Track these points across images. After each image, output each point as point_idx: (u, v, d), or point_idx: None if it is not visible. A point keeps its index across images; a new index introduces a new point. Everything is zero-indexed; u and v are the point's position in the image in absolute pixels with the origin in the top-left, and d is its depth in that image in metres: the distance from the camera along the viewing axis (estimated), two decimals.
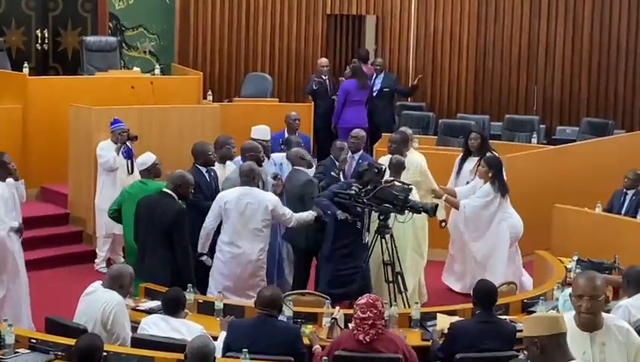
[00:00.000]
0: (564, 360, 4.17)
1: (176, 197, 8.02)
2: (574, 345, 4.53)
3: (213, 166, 9.09)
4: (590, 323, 4.64)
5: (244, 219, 8.27)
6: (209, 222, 8.35)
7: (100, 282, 6.69)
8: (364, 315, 6.04)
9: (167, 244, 7.84)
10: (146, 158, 8.96)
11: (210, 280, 8.32)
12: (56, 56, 14.39)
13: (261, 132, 9.83)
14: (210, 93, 13.21)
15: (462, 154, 10.24)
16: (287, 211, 8.42)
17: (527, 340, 4.25)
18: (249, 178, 8.37)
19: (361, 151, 10.10)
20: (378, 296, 6.36)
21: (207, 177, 8.95)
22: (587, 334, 4.64)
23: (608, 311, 6.31)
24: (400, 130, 10.23)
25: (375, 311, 6.04)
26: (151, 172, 8.87)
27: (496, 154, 9.86)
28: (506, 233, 9.48)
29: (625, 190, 10.30)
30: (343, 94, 12.94)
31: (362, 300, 6.15)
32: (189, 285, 7.53)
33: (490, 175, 9.44)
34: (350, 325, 6.63)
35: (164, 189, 8.09)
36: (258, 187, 8.52)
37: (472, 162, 9.99)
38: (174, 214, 7.86)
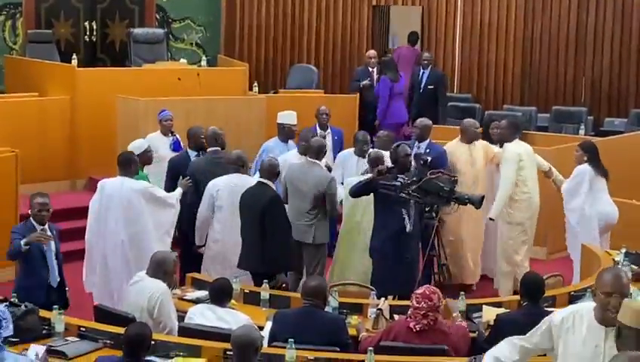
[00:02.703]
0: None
1: (271, 185, 8.13)
2: (589, 336, 4.59)
3: (205, 150, 9.13)
4: (609, 318, 4.59)
5: (233, 206, 8.32)
6: (202, 212, 8.45)
7: (145, 271, 6.76)
8: (418, 305, 6.11)
9: (261, 234, 7.94)
10: (137, 144, 8.87)
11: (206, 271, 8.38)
12: (104, 48, 14.53)
13: (287, 117, 9.88)
14: (255, 84, 13.25)
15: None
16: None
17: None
18: (237, 165, 8.46)
19: (428, 140, 9.72)
20: (436, 289, 6.32)
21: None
22: (603, 328, 4.61)
23: None
24: (509, 117, 10.05)
25: (430, 303, 6.07)
26: (141, 159, 8.66)
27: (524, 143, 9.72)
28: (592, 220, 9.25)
29: None
30: (386, 89, 12.75)
31: (420, 290, 6.21)
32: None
33: (585, 159, 9.29)
34: (396, 317, 6.67)
35: (260, 179, 8.16)
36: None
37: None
38: (266, 202, 7.96)
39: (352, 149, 9.79)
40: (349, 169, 9.53)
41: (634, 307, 4.31)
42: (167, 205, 8.30)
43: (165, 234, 8.27)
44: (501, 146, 9.58)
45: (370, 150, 9.34)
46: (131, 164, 8.26)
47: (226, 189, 8.42)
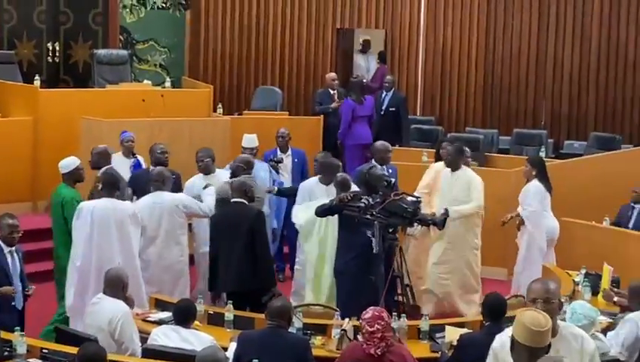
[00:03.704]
0: None
1: (247, 202, 8.22)
2: None
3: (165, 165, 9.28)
4: None
5: (155, 224, 8.40)
6: None
7: (101, 293, 6.76)
8: (372, 329, 5.97)
9: (250, 251, 8.03)
10: (69, 162, 8.81)
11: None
12: (67, 69, 14.49)
13: (248, 140, 9.92)
14: (220, 106, 13.25)
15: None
16: (200, 206, 8.65)
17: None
18: (159, 182, 8.54)
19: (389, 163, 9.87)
20: (382, 308, 6.34)
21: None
22: None
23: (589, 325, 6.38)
24: (457, 143, 10.21)
25: (383, 323, 6.01)
26: (73, 176, 8.68)
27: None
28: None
29: (633, 204, 10.35)
30: (349, 111, 12.81)
31: (368, 314, 6.07)
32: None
33: (533, 173, 9.49)
34: (359, 337, 6.67)
35: (235, 199, 8.23)
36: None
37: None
38: (253, 219, 8.09)
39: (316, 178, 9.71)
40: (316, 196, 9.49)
41: (524, 321, 4.32)
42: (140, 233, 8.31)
43: (138, 262, 8.21)
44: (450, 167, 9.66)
45: (338, 174, 9.37)
46: (117, 184, 8.25)
47: (147, 209, 8.44)
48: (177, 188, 9.12)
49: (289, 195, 9.72)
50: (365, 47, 14.81)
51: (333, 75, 13.72)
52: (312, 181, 9.39)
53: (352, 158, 12.25)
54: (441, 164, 9.70)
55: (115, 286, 6.74)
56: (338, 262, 8.41)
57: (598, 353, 4.82)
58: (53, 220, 8.68)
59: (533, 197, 9.44)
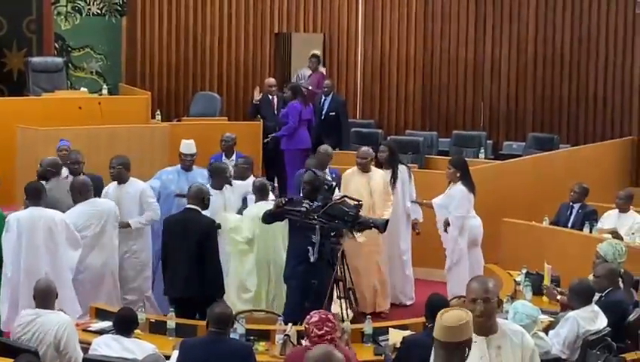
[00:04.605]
0: None
1: (201, 211, 8.18)
2: (473, 351, 4.56)
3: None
4: (484, 326, 4.68)
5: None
6: None
7: (31, 308, 6.66)
8: (320, 332, 5.89)
9: (198, 259, 8.00)
10: None
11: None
12: (2, 78, 14.25)
13: (186, 146, 9.88)
14: (158, 112, 13.17)
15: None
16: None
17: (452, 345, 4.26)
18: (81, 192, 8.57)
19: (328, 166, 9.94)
20: (327, 311, 6.32)
21: None
22: (483, 338, 4.68)
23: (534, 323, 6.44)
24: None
25: (330, 325, 5.99)
26: None
27: (408, 165, 10.22)
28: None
29: (571, 203, 10.45)
30: (297, 114, 12.58)
31: (314, 318, 5.99)
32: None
33: (458, 175, 9.54)
34: (303, 342, 6.63)
35: (189, 206, 8.22)
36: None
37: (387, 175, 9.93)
38: (205, 228, 8.09)
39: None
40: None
41: (440, 318, 4.28)
42: (77, 242, 8.18)
43: (69, 270, 8.10)
44: (392, 168, 9.82)
45: (255, 179, 9.40)
46: (41, 194, 8.12)
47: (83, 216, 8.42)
48: (97, 191, 9.06)
49: None
50: (314, 64, 14.37)
51: (272, 80, 13.61)
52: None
53: (292, 163, 12.22)
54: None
55: (48, 297, 6.65)
56: (286, 268, 8.44)
57: (537, 350, 4.86)
58: None
59: (459, 203, 9.51)
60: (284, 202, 8.31)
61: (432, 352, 4.56)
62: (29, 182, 8.47)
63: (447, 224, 9.57)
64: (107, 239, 8.51)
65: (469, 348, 4.26)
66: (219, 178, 9.31)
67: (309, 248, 8.11)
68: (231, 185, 9.44)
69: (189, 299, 7.98)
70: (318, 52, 14.44)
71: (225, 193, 9.31)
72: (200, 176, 9.72)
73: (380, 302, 9.73)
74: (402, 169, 10.00)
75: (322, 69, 14.39)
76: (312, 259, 8.14)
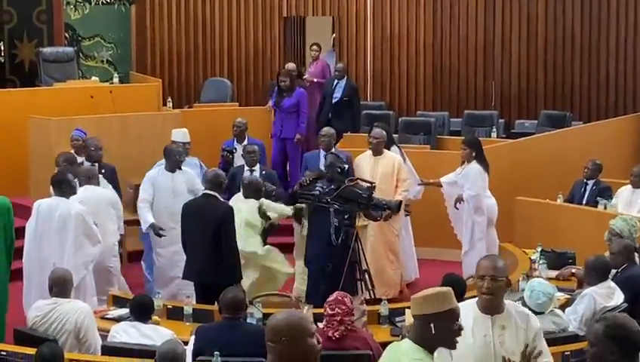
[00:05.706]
0: (452, 336, 4.13)
1: (219, 196, 8.14)
2: (476, 327, 4.65)
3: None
4: (490, 304, 4.69)
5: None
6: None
7: (50, 298, 6.68)
8: (332, 312, 6.07)
9: (215, 245, 7.97)
10: None
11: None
12: (13, 69, 14.28)
13: (178, 135, 9.85)
14: (169, 99, 13.18)
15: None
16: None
17: (414, 318, 4.15)
18: (87, 177, 8.73)
19: (333, 149, 9.87)
20: (346, 293, 6.36)
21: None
22: (489, 317, 4.70)
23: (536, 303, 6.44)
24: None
25: (343, 307, 6.05)
26: None
27: (399, 145, 10.12)
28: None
29: (585, 180, 10.43)
30: (307, 101, 12.39)
31: (331, 297, 6.17)
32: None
33: (473, 155, 9.53)
34: (319, 324, 6.67)
35: (207, 191, 8.16)
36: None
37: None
38: (221, 214, 8.02)
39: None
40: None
41: (416, 297, 4.20)
42: (95, 238, 8.14)
43: (82, 266, 8.00)
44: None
45: (245, 176, 9.36)
46: (62, 185, 8.12)
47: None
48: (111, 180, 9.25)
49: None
50: (316, 53, 14.19)
51: (292, 65, 13.37)
52: (154, 171, 9.46)
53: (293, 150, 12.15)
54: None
55: (65, 285, 6.69)
56: (307, 251, 8.47)
57: (542, 332, 4.86)
58: None
59: (474, 180, 9.50)
60: (308, 181, 8.32)
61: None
62: (56, 172, 8.54)
63: (458, 200, 9.54)
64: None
65: (434, 325, 4.09)
66: (170, 161, 9.27)
67: (330, 231, 8.14)
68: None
69: (207, 284, 8.00)
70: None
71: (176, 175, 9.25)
72: (191, 164, 9.71)
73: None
74: (394, 150, 9.92)
75: (328, 55, 14.24)
76: (334, 243, 8.17)
